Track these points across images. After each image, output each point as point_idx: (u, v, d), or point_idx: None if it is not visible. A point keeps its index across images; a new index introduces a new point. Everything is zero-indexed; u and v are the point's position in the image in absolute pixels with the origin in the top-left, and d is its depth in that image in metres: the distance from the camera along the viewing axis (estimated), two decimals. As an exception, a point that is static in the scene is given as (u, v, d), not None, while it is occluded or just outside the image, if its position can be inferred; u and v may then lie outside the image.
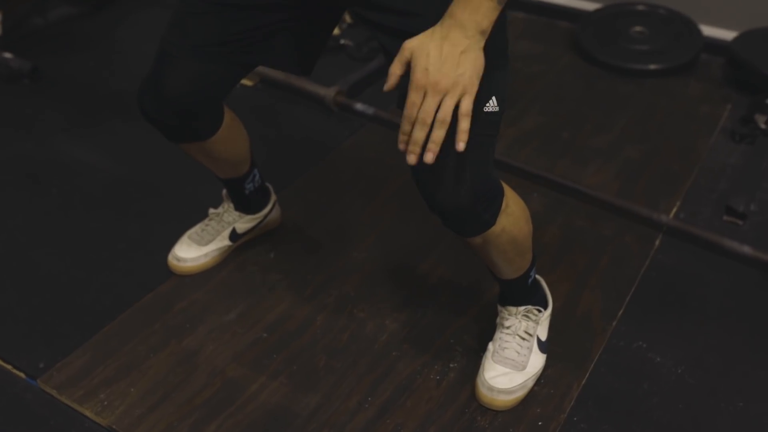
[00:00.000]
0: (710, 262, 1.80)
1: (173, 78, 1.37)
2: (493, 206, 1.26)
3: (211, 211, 1.82)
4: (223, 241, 1.79)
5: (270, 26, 1.31)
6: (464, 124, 1.02)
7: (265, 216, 1.84)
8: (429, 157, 1.03)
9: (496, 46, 1.15)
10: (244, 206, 1.79)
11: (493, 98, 1.17)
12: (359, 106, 2.32)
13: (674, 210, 1.95)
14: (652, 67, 2.54)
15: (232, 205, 1.80)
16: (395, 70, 1.05)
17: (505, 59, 1.21)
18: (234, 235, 1.80)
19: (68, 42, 2.83)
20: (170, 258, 1.78)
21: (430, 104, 1.02)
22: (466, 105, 1.02)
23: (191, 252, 1.77)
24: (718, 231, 1.86)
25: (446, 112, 1.02)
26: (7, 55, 2.58)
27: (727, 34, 2.58)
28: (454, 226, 1.28)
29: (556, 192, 2.01)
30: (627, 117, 2.34)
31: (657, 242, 1.85)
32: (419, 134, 1.03)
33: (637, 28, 2.67)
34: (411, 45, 1.03)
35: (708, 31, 2.64)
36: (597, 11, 2.79)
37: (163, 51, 1.37)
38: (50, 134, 2.30)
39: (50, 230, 1.93)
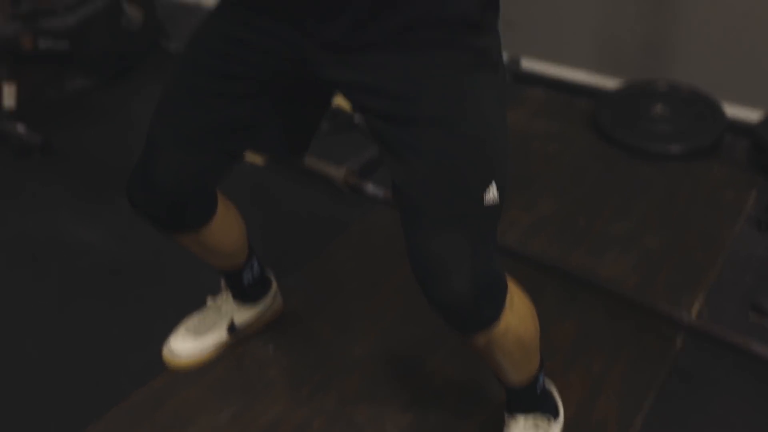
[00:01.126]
0: (737, 366, 1.69)
1: (160, 168, 1.31)
2: (496, 301, 1.18)
3: (209, 301, 1.75)
4: (220, 334, 1.72)
5: (255, 112, 1.25)
6: None
7: (266, 306, 1.76)
8: None
9: (493, 107, 1.10)
10: (243, 296, 1.72)
11: (493, 184, 1.09)
12: (370, 188, 2.27)
13: (697, 306, 1.84)
14: (674, 149, 2.46)
15: (230, 294, 1.73)
16: None
17: (504, 126, 1.13)
18: (232, 327, 1.72)
19: (82, 115, 2.82)
20: (165, 351, 1.71)
21: None
22: None
23: (187, 345, 1.70)
24: (744, 331, 1.75)
25: None
26: (20, 127, 2.56)
27: (752, 115, 2.50)
28: (455, 323, 1.19)
29: (570, 285, 1.92)
30: (647, 202, 2.26)
31: (678, 343, 1.75)
32: None
33: (659, 109, 2.60)
34: None
35: (732, 111, 2.56)
36: (617, 90, 2.73)
37: (150, 141, 1.32)
38: (55, 211, 2.26)
39: (44, 313, 1.88)
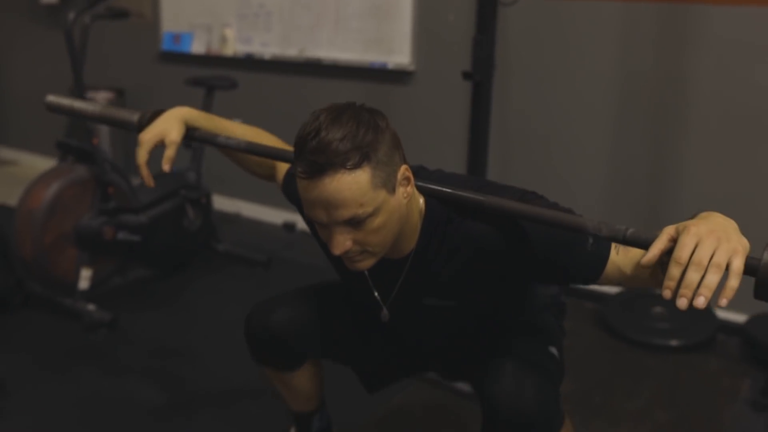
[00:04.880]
0: None
1: (284, 315, 1.66)
2: (556, 417, 1.45)
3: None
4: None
5: (379, 354, 1.73)
6: (734, 282, 1.02)
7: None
8: (701, 302, 1.02)
9: (558, 322, 1.65)
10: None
11: (554, 348, 1.52)
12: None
13: (705, 470, 2.08)
14: (674, 343, 2.79)
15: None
16: (659, 245, 1.09)
17: (561, 335, 1.63)
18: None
19: (142, 300, 3.16)
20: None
21: (706, 249, 1.03)
22: (738, 263, 1.04)
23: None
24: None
25: (722, 258, 1.03)
26: (91, 306, 2.88)
27: (740, 317, 2.86)
28: (522, 430, 1.40)
29: (593, 449, 2.16)
30: (654, 386, 2.54)
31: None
32: (693, 276, 1.02)
33: (657, 309, 2.96)
34: (676, 225, 1.11)
35: (722, 314, 2.92)
36: (619, 293, 3.11)
37: (291, 294, 1.69)
38: (123, 377, 2.52)
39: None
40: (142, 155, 1.59)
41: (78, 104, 1.82)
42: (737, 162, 2.89)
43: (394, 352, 1.74)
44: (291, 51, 3.91)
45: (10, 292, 2.97)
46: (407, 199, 1.31)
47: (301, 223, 4.12)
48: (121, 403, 2.37)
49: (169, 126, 1.59)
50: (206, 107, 3.41)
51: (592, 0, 3.08)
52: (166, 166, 1.59)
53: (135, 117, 1.69)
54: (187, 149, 3.43)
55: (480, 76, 2.59)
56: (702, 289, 1.01)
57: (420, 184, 1.36)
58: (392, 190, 1.26)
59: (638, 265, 1.23)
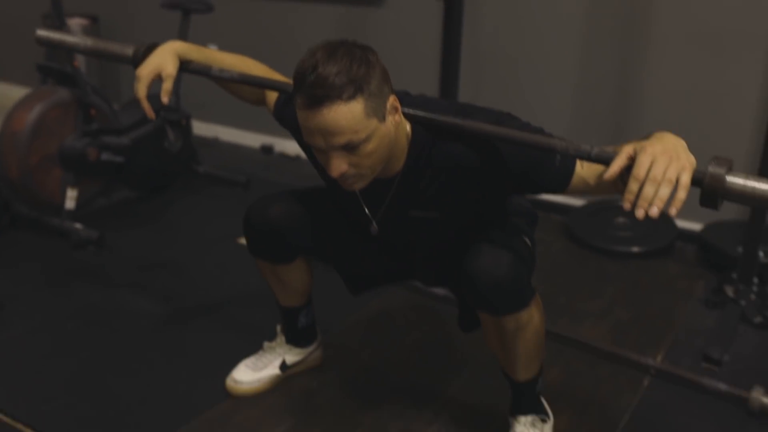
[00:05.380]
0: (692, 398, 2.09)
1: (280, 210, 1.82)
2: (527, 292, 1.62)
3: (266, 344, 2.14)
4: (274, 370, 2.09)
5: (366, 258, 1.87)
6: (681, 194, 1.21)
7: (311, 351, 2.15)
8: (654, 212, 1.20)
9: (529, 213, 1.80)
10: (295, 339, 2.11)
11: (526, 238, 1.69)
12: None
13: (660, 357, 2.27)
14: (635, 250, 2.96)
15: (284, 338, 2.11)
16: (619, 162, 1.25)
17: (534, 223, 1.80)
18: (284, 365, 2.10)
19: (126, 220, 3.27)
20: (228, 381, 2.07)
21: (660, 167, 1.21)
22: (686, 179, 1.22)
23: (247, 376, 2.07)
24: (698, 373, 2.17)
25: (672, 174, 1.20)
26: (78, 225, 2.99)
27: (696, 225, 3.03)
28: (495, 304, 1.58)
29: (556, 343, 2.33)
30: (615, 289, 2.72)
31: (646, 382, 2.15)
32: (649, 191, 1.20)
33: (620, 219, 3.12)
34: (633, 144, 1.28)
35: (681, 223, 3.09)
36: (585, 206, 3.26)
37: (285, 192, 1.85)
38: (113, 289, 2.65)
39: (120, 360, 2.23)
40: (142, 89, 1.72)
41: (70, 39, 1.88)
42: (699, 78, 3.02)
43: (381, 258, 1.88)
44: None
45: (-3, 213, 3.06)
46: (395, 126, 1.47)
47: (278, 146, 4.23)
48: (113, 313, 2.50)
49: (164, 60, 1.71)
50: (182, 31, 3.46)
51: None
52: (164, 99, 1.71)
53: (129, 51, 1.78)
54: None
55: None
56: (656, 201, 1.20)
57: (406, 111, 1.51)
58: (382, 118, 1.41)
59: (600, 178, 1.40)
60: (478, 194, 1.58)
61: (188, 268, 2.82)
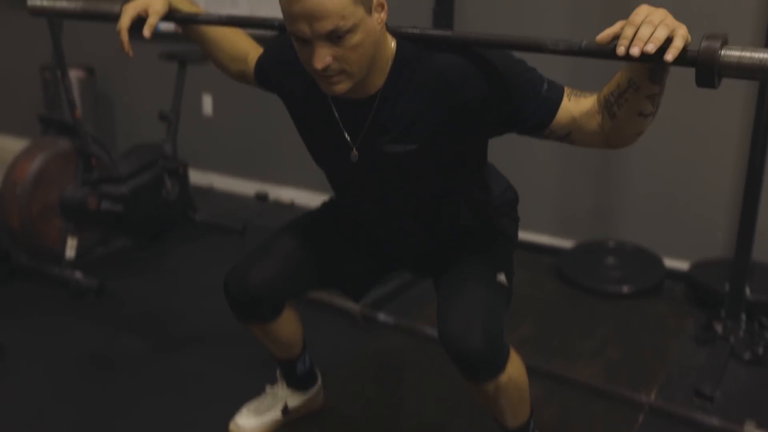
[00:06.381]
0: (686, 434, 2.15)
1: (259, 273, 1.79)
2: (501, 355, 1.62)
3: (267, 388, 2.17)
4: (276, 413, 2.13)
5: (355, 265, 1.89)
6: (678, 42, 1.17)
7: (313, 395, 2.18)
8: (650, 48, 1.17)
9: (509, 237, 1.72)
10: (296, 384, 2.15)
11: (503, 273, 1.69)
12: (382, 316, 2.75)
13: (653, 394, 2.32)
14: (625, 290, 3.03)
15: (285, 382, 2.15)
16: (613, 28, 1.23)
17: (512, 250, 1.78)
18: (286, 409, 2.13)
19: (125, 267, 3.32)
20: (232, 425, 2.10)
21: (657, 15, 1.19)
22: (683, 30, 1.19)
23: (250, 421, 2.10)
24: (691, 409, 2.22)
25: (670, 21, 1.19)
26: (78, 274, 3.03)
27: (684, 265, 3.11)
28: (472, 373, 1.59)
29: (551, 382, 2.38)
30: (607, 328, 2.78)
31: (640, 419, 2.20)
32: (646, 30, 1.18)
33: (610, 260, 3.20)
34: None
35: (669, 263, 3.16)
36: (575, 247, 3.34)
37: (263, 248, 1.84)
38: (113, 334, 2.68)
39: (119, 407, 2.26)
40: (124, 21, 1.65)
41: (59, 4, 1.85)
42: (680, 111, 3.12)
43: (367, 257, 1.89)
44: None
45: (-3, 263, 3.10)
46: (381, 25, 1.44)
47: (272, 193, 4.29)
48: (114, 359, 2.54)
49: (153, 0, 1.67)
50: (179, 82, 3.55)
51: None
52: (146, 32, 1.64)
53: (117, 7, 1.72)
54: (162, 122, 3.56)
55: None
56: (652, 39, 1.17)
57: (392, 26, 1.49)
58: (369, 10, 1.39)
59: (587, 113, 1.42)
60: (458, 123, 1.52)
61: (187, 315, 2.86)
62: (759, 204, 2.49)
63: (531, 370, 2.34)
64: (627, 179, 3.25)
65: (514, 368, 1.67)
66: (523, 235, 3.46)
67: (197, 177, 4.44)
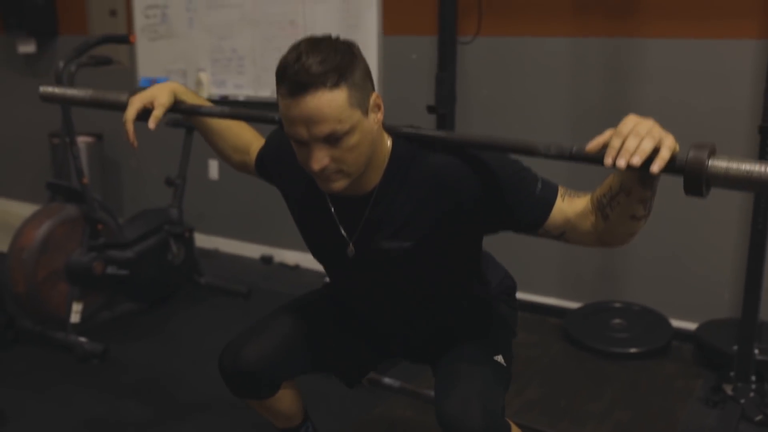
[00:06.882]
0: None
1: (255, 351, 1.75)
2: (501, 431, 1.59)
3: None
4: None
5: (353, 353, 1.88)
6: (665, 153, 1.18)
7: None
8: (636, 160, 1.18)
9: (507, 323, 1.80)
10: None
11: (500, 356, 1.70)
12: (386, 380, 2.72)
13: (663, 460, 2.28)
14: (632, 350, 3.00)
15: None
16: (602, 138, 1.25)
17: (510, 336, 1.80)
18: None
19: (130, 332, 3.31)
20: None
21: (644, 126, 1.21)
22: (670, 141, 1.20)
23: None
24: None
25: (656, 133, 1.20)
26: (82, 339, 3.03)
27: (691, 325, 3.08)
28: None
29: (560, 446, 2.35)
30: (614, 390, 2.75)
31: (650, 483, 2.17)
32: (632, 142, 1.19)
33: (617, 321, 3.18)
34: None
35: (676, 323, 3.14)
36: (581, 308, 3.32)
37: (261, 327, 1.81)
38: (116, 402, 2.66)
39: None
40: (130, 113, 1.68)
41: (70, 92, 1.90)
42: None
43: (363, 343, 1.88)
44: (264, 92, 4.12)
45: (2, 329, 3.09)
46: (377, 125, 1.46)
47: (277, 256, 4.31)
48: (118, 424, 2.52)
49: (159, 92, 1.70)
50: (186, 147, 3.60)
51: (543, 36, 3.34)
52: (151, 124, 1.67)
53: (125, 96, 1.77)
54: (169, 187, 3.60)
55: (443, 109, 2.82)
56: (638, 152, 1.18)
57: (388, 124, 1.51)
58: (366, 112, 1.41)
59: (580, 213, 1.43)
60: (453, 222, 1.53)
61: (191, 380, 2.84)
62: (764, 264, 2.49)
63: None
64: (631, 243, 3.24)
65: None
66: (530, 297, 3.51)
67: (203, 240, 4.46)
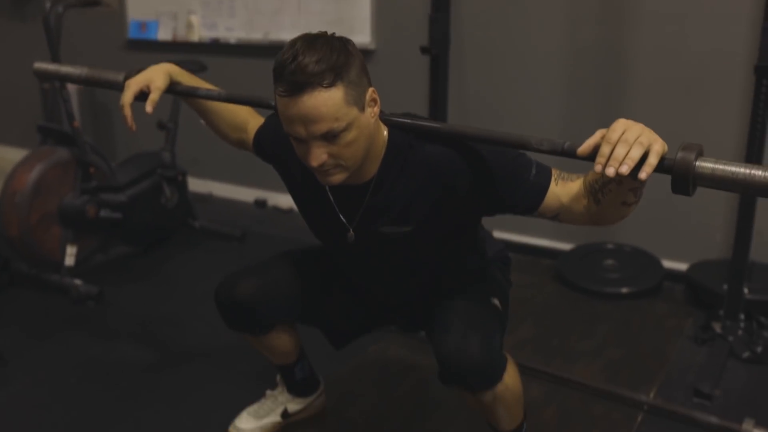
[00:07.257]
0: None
1: (251, 287, 1.80)
2: (499, 366, 1.64)
3: (268, 392, 2.18)
4: (276, 418, 2.13)
5: (350, 315, 1.93)
6: (653, 160, 1.21)
7: (313, 400, 2.19)
8: (624, 169, 1.19)
9: (502, 280, 1.83)
10: (296, 390, 2.15)
11: (497, 299, 1.73)
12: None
13: (652, 393, 2.32)
14: (624, 291, 3.03)
15: (285, 387, 2.16)
16: (593, 140, 1.26)
17: (507, 286, 1.84)
18: (285, 414, 2.14)
19: (124, 275, 3.32)
20: (231, 428, 2.10)
21: (632, 133, 1.21)
22: (658, 147, 1.22)
23: (249, 424, 2.10)
24: (690, 408, 2.22)
25: (645, 140, 1.21)
26: (78, 281, 3.04)
27: (683, 265, 3.11)
28: (471, 385, 1.60)
29: (551, 383, 2.38)
30: (606, 329, 2.78)
31: (639, 418, 2.20)
32: (621, 151, 1.20)
33: (609, 262, 3.20)
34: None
35: (668, 264, 3.17)
36: (573, 249, 3.34)
37: (260, 266, 1.84)
38: (114, 341, 2.69)
39: (123, 410, 2.26)
40: (128, 96, 1.69)
41: (65, 69, 1.92)
42: (669, 121, 3.14)
43: (357, 307, 1.92)
44: (256, 35, 4.06)
45: (-4, 272, 3.11)
46: (374, 119, 1.48)
47: (271, 200, 4.30)
48: (114, 366, 2.54)
49: (155, 75, 1.72)
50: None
51: (539, -24, 3.29)
52: (149, 108, 1.69)
53: (121, 76, 1.79)
54: (161, 131, 3.58)
55: (437, 50, 2.79)
56: (627, 160, 1.20)
57: (385, 115, 1.53)
58: (362, 108, 1.42)
59: (574, 197, 1.45)
60: (449, 207, 1.57)
61: (186, 321, 2.87)
62: (756, 204, 2.50)
63: (531, 371, 2.40)
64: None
65: (512, 377, 1.68)
66: (523, 238, 3.53)
67: (197, 185, 4.45)
